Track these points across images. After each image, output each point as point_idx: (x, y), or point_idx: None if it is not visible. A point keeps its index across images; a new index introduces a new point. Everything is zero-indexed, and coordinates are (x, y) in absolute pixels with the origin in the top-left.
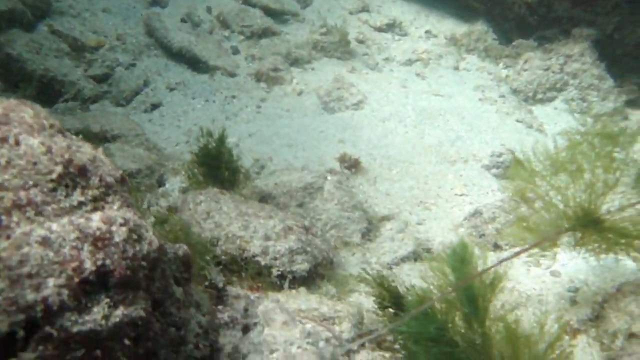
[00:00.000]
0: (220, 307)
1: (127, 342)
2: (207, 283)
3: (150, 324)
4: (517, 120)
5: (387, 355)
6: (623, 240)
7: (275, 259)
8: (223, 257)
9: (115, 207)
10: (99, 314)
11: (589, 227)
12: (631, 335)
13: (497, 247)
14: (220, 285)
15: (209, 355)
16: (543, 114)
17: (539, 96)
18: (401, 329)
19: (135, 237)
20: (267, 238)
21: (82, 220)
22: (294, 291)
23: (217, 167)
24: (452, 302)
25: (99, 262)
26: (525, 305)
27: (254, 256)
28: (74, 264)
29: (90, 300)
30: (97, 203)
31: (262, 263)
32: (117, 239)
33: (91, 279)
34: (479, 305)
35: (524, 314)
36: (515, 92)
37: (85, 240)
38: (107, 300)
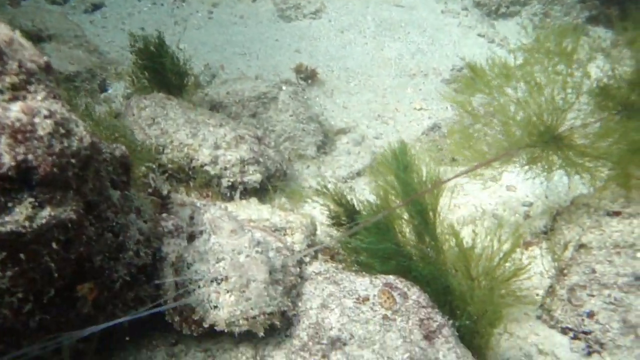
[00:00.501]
0: (164, 214)
1: (55, 246)
2: (150, 190)
3: (83, 228)
4: (479, 35)
5: (340, 267)
6: (580, 160)
7: (226, 168)
8: (169, 165)
9: (39, 97)
10: (22, 215)
11: (550, 143)
12: (581, 246)
13: (454, 161)
14: (165, 192)
15: (151, 264)
16: (505, 28)
17: (502, 10)
18: (357, 244)
19: (62, 131)
20: (217, 147)
21: None
22: (244, 202)
23: (161, 71)
24: (401, 215)
25: (20, 157)
26: (480, 219)
27: (202, 165)
28: None
29: (11, 200)
30: (17, 92)
31: (212, 173)
32: (41, 132)
33: (11, 175)
34: (427, 219)
35: (479, 227)
36: (478, 5)
37: (3, 131)
38: (31, 199)
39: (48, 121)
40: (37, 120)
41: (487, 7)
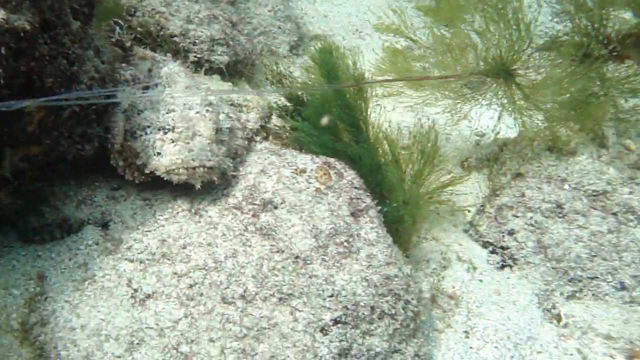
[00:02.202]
0: (123, 65)
1: (4, 51)
2: (113, 40)
3: (36, 43)
4: None
5: (285, 149)
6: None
7: (195, 44)
8: (139, 29)
9: None
10: None
11: (500, 76)
12: (518, 175)
13: (420, 85)
14: (128, 44)
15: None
16: None
17: None
18: (300, 126)
19: None
20: (189, 21)
21: None
22: (207, 77)
23: None
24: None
25: None
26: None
27: (172, 35)
28: None
29: None
30: None
31: (180, 44)
32: None
33: None
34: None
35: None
36: None
37: None
38: None
39: None
40: None
41: None
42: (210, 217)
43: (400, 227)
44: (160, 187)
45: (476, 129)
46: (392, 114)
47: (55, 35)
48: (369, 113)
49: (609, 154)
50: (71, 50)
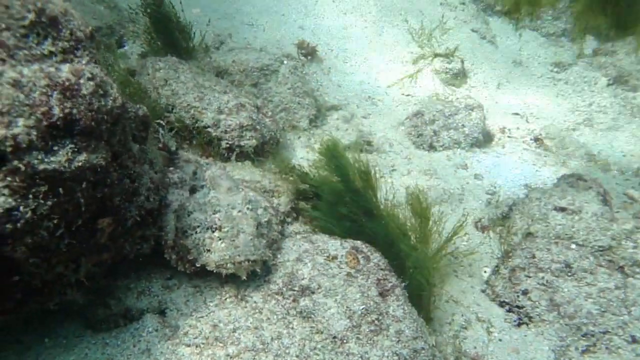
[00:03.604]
0: (171, 168)
1: (86, 185)
2: (160, 145)
3: (109, 173)
4: (473, 30)
5: (315, 230)
6: None
7: (226, 132)
8: (176, 123)
9: (84, 61)
10: (64, 157)
11: None
12: (528, 234)
13: (432, 147)
14: (173, 148)
15: (157, 208)
16: (498, 26)
17: (499, 7)
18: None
19: (101, 92)
20: (220, 112)
21: (52, 69)
22: (239, 163)
23: (170, 33)
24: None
25: (67, 110)
26: (447, 202)
27: (205, 127)
28: (44, 109)
29: (57, 144)
30: (67, 55)
31: (213, 134)
32: (84, 91)
33: (58, 124)
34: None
35: (445, 208)
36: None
37: (55, 88)
38: (72, 145)
39: (90, 82)
40: (82, 81)
41: (485, 2)
42: (255, 302)
43: (421, 291)
44: (208, 275)
45: (487, 188)
46: (406, 177)
47: (122, 162)
48: (378, 198)
49: (613, 208)
50: (133, 170)
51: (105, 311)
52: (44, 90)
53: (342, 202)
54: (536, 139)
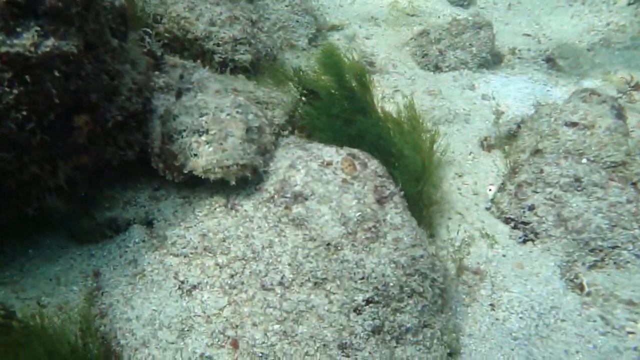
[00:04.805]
0: (156, 72)
1: (57, 74)
2: (145, 50)
3: (82, 64)
4: None
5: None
6: None
7: (219, 45)
8: (166, 34)
9: None
10: (28, 40)
11: None
12: (537, 151)
13: (437, 68)
14: (159, 53)
15: (141, 112)
16: None
17: None
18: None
19: None
20: (212, 23)
21: None
22: (232, 76)
23: None
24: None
25: None
26: (452, 122)
27: (197, 39)
28: None
29: (19, 25)
30: None
31: (205, 47)
32: None
33: (19, 2)
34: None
35: (450, 128)
36: None
37: None
38: (37, 28)
39: None
40: None
41: None
42: (245, 211)
43: (422, 205)
44: (197, 185)
45: (494, 108)
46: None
47: (98, 55)
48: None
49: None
50: (111, 66)
51: (90, 222)
52: None
53: (337, 102)
54: (548, 59)
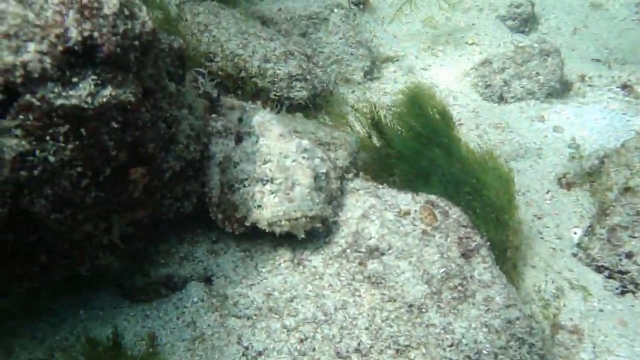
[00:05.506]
0: (213, 115)
1: (114, 124)
2: (200, 92)
3: (139, 113)
4: None
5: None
6: None
7: (274, 82)
8: (219, 73)
9: None
10: (85, 90)
11: None
12: (627, 189)
13: (502, 99)
14: (215, 95)
15: (198, 160)
16: None
17: None
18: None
19: (127, 13)
20: (266, 60)
21: None
22: (290, 115)
23: None
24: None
25: (86, 33)
26: (524, 157)
27: (251, 77)
28: (58, 30)
29: (76, 75)
30: None
31: (260, 85)
32: (107, 10)
33: (77, 50)
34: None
35: (522, 164)
36: None
37: (71, 6)
38: (94, 77)
39: (114, 1)
40: None
41: None
42: (314, 267)
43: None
44: (259, 237)
45: (571, 141)
46: (475, 132)
47: (155, 102)
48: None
49: None
50: (169, 112)
51: (144, 279)
52: (58, 9)
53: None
54: (624, 86)
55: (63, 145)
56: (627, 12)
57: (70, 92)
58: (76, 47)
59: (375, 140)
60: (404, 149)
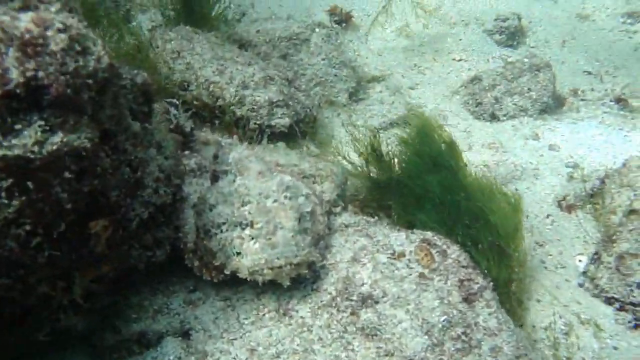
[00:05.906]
0: (186, 152)
1: (67, 174)
2: (172, 126)
3: (98, 159)
4: None
5: (372, 220)
6: None
7: (253, 110)
8: (194, 102)
9: (52, 9)
10: (31, 138)
11: None
12: (632, 212)
13: (494, 117)
14: (188, 129)
15: (170, 204)
16: None
17: None
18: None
19: (78, 48)
20: (245, 86)
21: (6, 18)
22: (271, 146)
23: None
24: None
25: (29, 74)
26: (520, 179)
27: (229, 105)
28: None
29: (19, 121)
30: (29, 1)
31: (238, 113)
32: (53, 47)
33: (19, 93)
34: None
35: (519, 186)
36: None
37: (10, 43)
38: (41, 122)
39: (62, 35)
40: (49, 33)
41: None
42: (302, 317)
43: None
44: (240, 284)
45: (567, 160)
46: (468, 153)
47: (116, 144)
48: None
49: None
50: (133, 155)
51: (115, 337)
52: None
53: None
54: (618, 100)
55: (6, 202)
56: (615, 23)
57: (13, 141)
58: (18, 90)
59: (371, 168)
60: (406, 177)
